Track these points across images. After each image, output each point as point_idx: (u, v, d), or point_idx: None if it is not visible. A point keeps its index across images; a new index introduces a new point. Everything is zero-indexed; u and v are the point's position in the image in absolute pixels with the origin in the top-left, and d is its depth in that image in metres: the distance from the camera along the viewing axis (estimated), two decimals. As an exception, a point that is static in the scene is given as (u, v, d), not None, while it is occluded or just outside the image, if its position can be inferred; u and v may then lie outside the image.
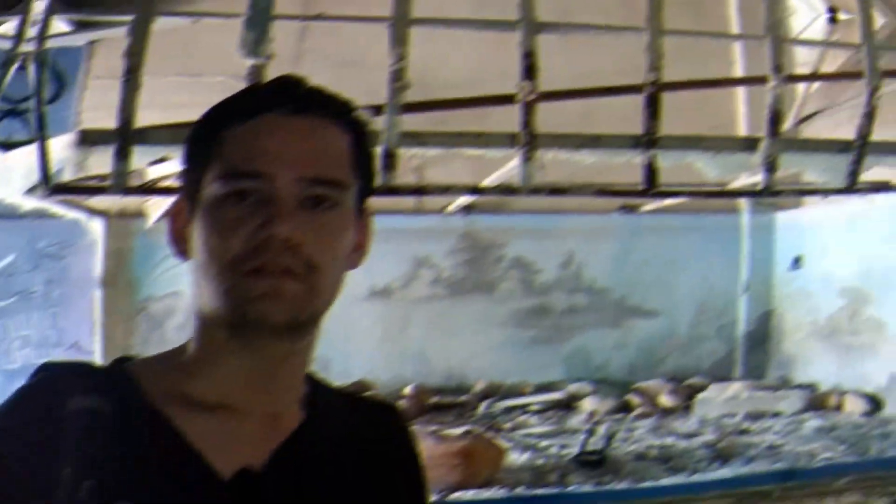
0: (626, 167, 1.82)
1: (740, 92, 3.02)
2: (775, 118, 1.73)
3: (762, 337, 3.09)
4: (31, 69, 2.23)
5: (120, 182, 1.85)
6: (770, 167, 1.74)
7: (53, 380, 0.77)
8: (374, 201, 0.83)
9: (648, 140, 1.71)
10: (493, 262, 3.31)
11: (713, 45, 1.74)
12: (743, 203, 2.93)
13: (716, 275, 3.08)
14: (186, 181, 0.78)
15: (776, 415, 2.76)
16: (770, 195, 1.77)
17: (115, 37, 3.72)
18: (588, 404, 3.05)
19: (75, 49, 3.41)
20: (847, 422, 2.55)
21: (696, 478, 2.19)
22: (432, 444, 2.17)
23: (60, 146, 1.96)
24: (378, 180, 1.79)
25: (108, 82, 3.68)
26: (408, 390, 3.22)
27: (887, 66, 2.11)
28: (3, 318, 3.76)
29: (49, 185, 1.82)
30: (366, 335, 3.27)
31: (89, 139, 1.88)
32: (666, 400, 2.99)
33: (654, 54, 1.67)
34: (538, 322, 3.33)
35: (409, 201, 3.14)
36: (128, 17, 2.01)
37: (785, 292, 3.00)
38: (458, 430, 2.36)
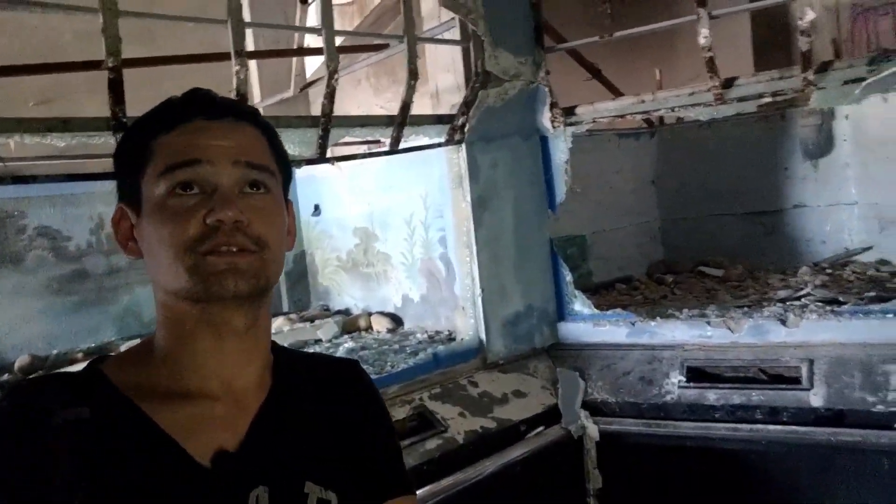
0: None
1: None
2: (241, 98, 1.89)
3: (300, 274, 3.47)
4: None
5: None
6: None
7: (30, 399, 0.76)
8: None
9: (116, 123, 1.72)
10: (14, 233, 3.03)
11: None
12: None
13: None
14: (124, 189, 0.85)
15: (317, 342, 3.14)
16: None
17: None
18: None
19: None
20: (374, 339, 3.01)
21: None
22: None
23: None
24: None
25: None
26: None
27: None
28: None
29: None
30: None
31: None
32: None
33: (111, 38, 1.66)
34: (79, 287, 3.17)
35: None
36: None
37: (311, 235, 3.40)
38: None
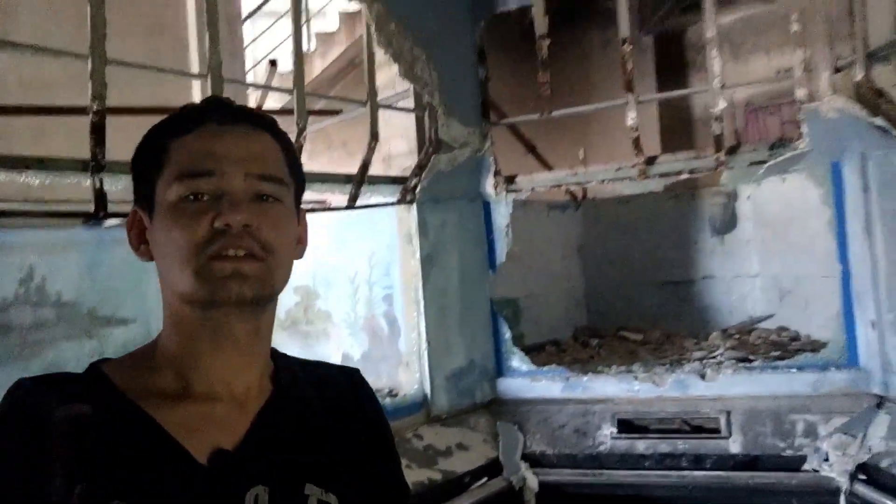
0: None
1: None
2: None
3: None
4: None
5: None
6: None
7: (31, 395, 0.76)
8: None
9: (95, 165, 1.76)
10: (-64, 280, 2.86)
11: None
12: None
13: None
14: (140, 192, 0.83)
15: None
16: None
17: None
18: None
19: None
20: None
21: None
22: None
23: None
24: None
25: None
26: None
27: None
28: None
29: None
30: None
31: None
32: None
33: (97, 83, 1.72)
34: (1, 341, 3.01)
35: None
36: None
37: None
38: None
